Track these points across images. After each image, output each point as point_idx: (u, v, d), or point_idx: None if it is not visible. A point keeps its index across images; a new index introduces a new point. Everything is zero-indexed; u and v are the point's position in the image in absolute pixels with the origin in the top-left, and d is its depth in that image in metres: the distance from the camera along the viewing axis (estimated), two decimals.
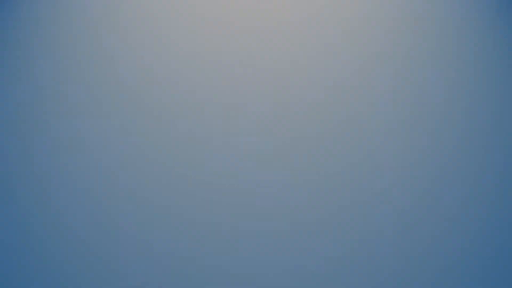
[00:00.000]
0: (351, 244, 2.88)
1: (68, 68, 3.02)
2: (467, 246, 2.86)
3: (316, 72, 2.96)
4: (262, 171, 2.92)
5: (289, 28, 2.98)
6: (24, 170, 2.99)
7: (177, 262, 2.91)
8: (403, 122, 2.91)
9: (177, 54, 2.99)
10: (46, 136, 2.99)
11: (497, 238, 2.86)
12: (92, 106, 2.99)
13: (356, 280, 2.87)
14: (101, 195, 2.95)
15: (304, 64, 2.96)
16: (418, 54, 2.94)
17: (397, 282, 2.86)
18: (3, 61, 3.05)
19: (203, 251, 2.91)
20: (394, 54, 2.94)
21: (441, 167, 2.89)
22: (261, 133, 2.94)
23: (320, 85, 2.95)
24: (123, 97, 2.99)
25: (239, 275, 2.89)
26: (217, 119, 2.96)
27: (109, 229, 2.94)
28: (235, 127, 2.95)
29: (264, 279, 2.88)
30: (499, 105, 2.91)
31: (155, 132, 2.96)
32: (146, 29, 3.01)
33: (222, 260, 2.90)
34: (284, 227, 2.90)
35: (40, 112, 3.00)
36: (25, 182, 2.98)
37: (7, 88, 3.03)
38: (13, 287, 2.95)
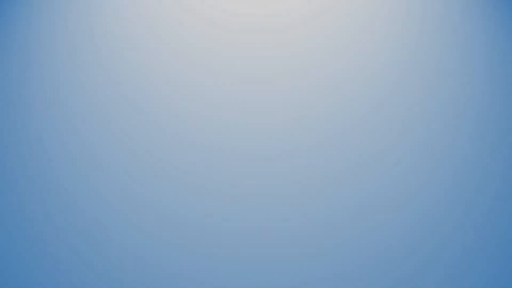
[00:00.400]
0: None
1: (69, 70, 3.02)
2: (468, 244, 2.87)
3: (317, 71, 2.96)
4: (262, 172, 2.92)
5: (290, 28, 2.99)
6: (24, 171, 2.99)
7: (179, 262, 2.91)
8: (404, 122, 2.92)
9: (178, 55, 2.99)
10: (46, 137, 2.99)
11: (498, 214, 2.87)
12: (93, 107, 2.99)
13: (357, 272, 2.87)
14: (102, 196, 2.95)
15: (304, 63, 2.97)
16: (418, 54, 2.95)
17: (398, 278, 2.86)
18: (4, 62, 3.05)
19: (203, 251, 2.92)
20: (396, 54, 2.95)
21: (440, 167, 2.90)
22: (262, 132, 2.94)
23: (321, 85, 2.95)
24: (124, 99, 2.99)
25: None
26: (218, 119, 2.96)
27: (110, 229, 2.94)
28: (237, 126, 2.95)
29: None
30: (501, 104, 2.92)
31: (157, 133, 2.96)
32: (146, 30, 3.01)
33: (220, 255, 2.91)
34: (289, 225, 2.91)
35: (40, 112, 3.01)
36: (25, 183, 2.98)
37: (7, 89, 3.03)
38: (12, 287, 2.95)
